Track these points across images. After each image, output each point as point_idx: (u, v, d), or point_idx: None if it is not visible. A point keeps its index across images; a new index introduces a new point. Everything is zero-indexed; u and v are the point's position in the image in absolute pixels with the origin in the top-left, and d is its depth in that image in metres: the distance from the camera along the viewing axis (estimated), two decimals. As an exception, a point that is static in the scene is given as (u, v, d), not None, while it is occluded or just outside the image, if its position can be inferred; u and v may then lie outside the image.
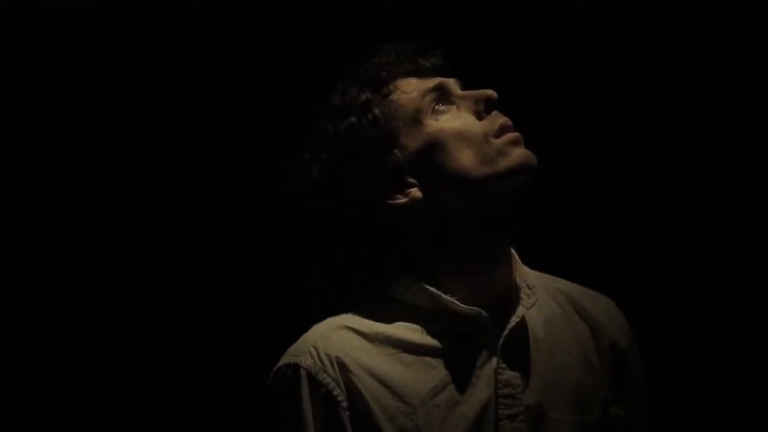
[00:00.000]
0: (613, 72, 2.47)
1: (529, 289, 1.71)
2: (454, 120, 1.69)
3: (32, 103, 2.40)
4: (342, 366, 1.63)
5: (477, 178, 1.65)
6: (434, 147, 1.67)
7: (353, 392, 1.62)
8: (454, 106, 1.71)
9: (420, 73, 1.73)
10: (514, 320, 1.67)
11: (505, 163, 1.65)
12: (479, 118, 1.69)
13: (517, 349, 1.67)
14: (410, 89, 1.71)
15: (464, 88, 1.73)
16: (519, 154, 1.66)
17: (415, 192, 1.67)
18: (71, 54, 2.41)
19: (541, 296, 1.73)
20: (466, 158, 1.65)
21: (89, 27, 2.41)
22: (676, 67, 2.46)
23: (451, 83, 1.72)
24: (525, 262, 1.77)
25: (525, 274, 1.73)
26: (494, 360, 1.65)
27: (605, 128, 2.46)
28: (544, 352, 1.69)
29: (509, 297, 1.69)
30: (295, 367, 1.64)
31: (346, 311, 1.70)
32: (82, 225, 2.40)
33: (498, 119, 1.69)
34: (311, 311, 1.71)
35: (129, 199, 2.42)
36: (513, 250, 1.74)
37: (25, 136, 2.39)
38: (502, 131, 1.67)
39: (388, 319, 1.67)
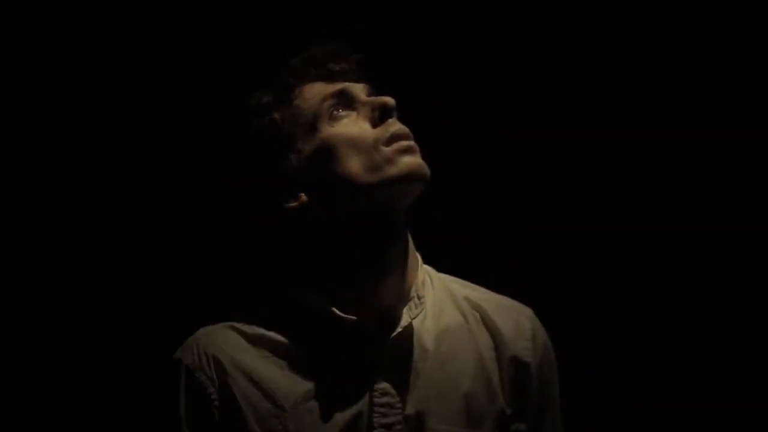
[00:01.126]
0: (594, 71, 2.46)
1: (419, 299, 1.70)
2: (349, 126, 1.68)
3: (32, 103, 2.41)
4: (218, 365, 1.66)
5: (362, 185, 1.64)
6: (325, 152, 1.67)
7: (226, 391, 1.65)
8: (355, 113, 1.70)
9: (328, 78, 1.73)
10: (397, 330, 1.66)
11: (391, 171, 1.64)
12: (374, 125, 1.68)
13: (400, 359, 1.66)
14: (312, 95, 1.71)
15: (376, 92, 1.72)
16: (407, 162, 1.65)
17: (303, 197, 1.68)
18: (71, 54, 2.42)
19: (442, 305, 1.72)
20: (353, 165, 1.65)
21: (89, 27, 2.41)
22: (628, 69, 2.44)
23: (357, 89, 1.72)
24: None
25: (421, 283, 1.72)
26: (373, 369, 1.65)
27: (599, 128, 2.45)
28: (433, 362, 1.67)
29: (401, 306, 1.68)
30: (178, 363, 1.69)
31: (250, 313, 1.72)
32: (82, 224, 2.40)
33: (391, 127, 1.67)
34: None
35: (129, 199, 2.42)
36: (418, 256, 1.73)
37: (25, 136, 2.40)
38: (393, 139, 1.66)
39: (279, 323, 1.69)
